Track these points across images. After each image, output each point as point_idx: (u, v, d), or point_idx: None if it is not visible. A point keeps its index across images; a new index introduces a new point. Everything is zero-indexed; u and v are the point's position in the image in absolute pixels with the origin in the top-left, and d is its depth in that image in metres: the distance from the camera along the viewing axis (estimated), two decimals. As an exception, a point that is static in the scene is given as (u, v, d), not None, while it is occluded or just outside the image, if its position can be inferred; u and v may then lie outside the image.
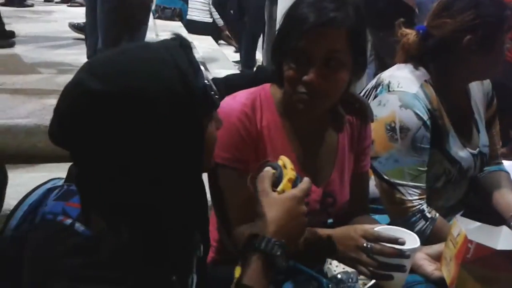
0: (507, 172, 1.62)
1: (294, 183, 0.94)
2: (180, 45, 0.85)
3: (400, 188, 1.38)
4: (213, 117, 0.90)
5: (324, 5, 1.06)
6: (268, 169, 0.94)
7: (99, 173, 0.81)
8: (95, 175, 0.82)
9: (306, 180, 0.95)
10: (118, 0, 2.26)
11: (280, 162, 0.97)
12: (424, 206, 1.38)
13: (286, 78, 1.10)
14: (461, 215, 1.55)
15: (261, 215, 0.91)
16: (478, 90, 1.55)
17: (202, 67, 0.86)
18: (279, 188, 0.92)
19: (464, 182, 1.54)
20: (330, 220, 1.40)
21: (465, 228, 1.11)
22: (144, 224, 0.84)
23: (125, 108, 0.77)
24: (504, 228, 1.18)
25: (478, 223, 1.16)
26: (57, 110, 0.80)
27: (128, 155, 0.79)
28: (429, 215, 1.38)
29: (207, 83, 0.85)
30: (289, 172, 0.94)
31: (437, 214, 1.39)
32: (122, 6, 2.26)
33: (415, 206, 1.37)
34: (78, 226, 0.79)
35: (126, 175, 0.81)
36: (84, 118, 0.77)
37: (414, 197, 1.38)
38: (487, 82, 1.58)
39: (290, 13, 1.11)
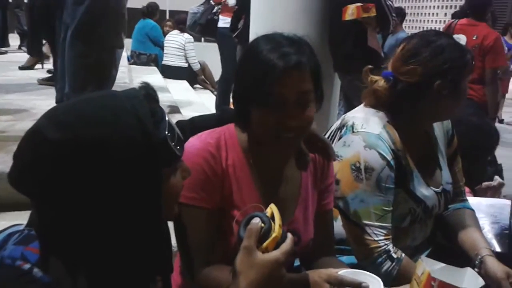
0: (472, 210, 1.62)
1: (278, 241, 0.91)
2: (144, 95, 0.85)
3: (366, 228, 1.38)
4: (177, 168, 0.90)
5: (285, 50, 1.08)
6: (256, 222, 0.90)
7: (57, 219, 0.81)
8: (53, 221, 0.81)
9: (289, 241, 0.92)
10: (86, 46, 2.26)
11: (268, 211, 0.95)
12: (390, 247, 1.38)
13: (260, 123, 1.11)
14: (428, 254, 1.55)
15: (239, 273, 0.89)
16: (438, 128, 1.58)
17: (167, 118, 0.86)
18: (264, 245, 0.90)
19: (429, 221, 1.55)
20: (297, 263, 1.38)
21: (429, 268, 1.11)
22: (102, 271, 0.83)
23: (80, 156, 0.77)
24: (469, 269, 1.19)
25: (442, 264, 1.17)
26: (16, 156, 0.81)
27: (84, 202, 0.79)
28: (395, 256, 1.37)
29: (169, 135, 0.85)
30: (276, 230, 0.91)
31: (403, 254, 1.38)
32: (89, 51, 2.26)
33: (381, 246, 1.37)
34: (37, 271, 0.78)
35: (83, 222, 0.80)
36: (41, 165, 0.77)
37: (380, 237, 1.37)
38: (447, 121, 1.61)
39: (251, 61, 1.12)
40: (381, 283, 1.05)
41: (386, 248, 1.37)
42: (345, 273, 1.07)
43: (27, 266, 0.78)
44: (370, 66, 1.50)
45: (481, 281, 1.13)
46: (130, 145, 0.79)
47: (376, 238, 1.37)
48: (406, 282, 1.24)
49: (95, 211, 0.79)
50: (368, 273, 1.09)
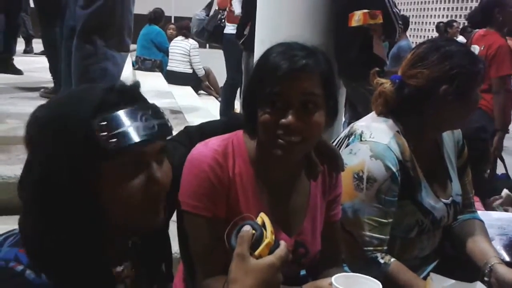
0: (481, 221, 1.60)
1: (271, 248, 0.89)
2: (111, 86, 0.83)
3: (357, 237, 1.37)
4: (140, 171, 0.83)
5: (294, 53, 1.07)
6: (247, 229, 0.88)
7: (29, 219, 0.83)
8: (26, 220, 0.83)
9: (283, 247, 0.89)
10: (92, 47, 2.25)
11: (259, 220, 0.92)
12: (378, 254, 1.36)
13: (262, 123, 1.08)
14: (436, 265, 1.52)
15: (235, 281, 0.85)
16: (449, 139, 1.56)
17: (125, 110, 0.81)
18: (257, 252, 0.87)
19: (437, 232, 1.53)
20: (303, 272, 1.35)
21: (439, 286, 1.07)
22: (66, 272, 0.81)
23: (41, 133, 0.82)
24: (479, 284, 1.15)
25: (452, 281, 1.14)
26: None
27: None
28: (382, 261, 1.35)
29: (103, 124, 0.78)
30: (269, 236, 0.88)
31: (392, 259, 1.36)
32: (96, 53, 2.25)
33: (368, 255, 1.36)
34: (29, 273, 0.78)
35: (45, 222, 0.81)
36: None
37: (369, 247, 1.36)
38: (458, 131, 1.59)
39: (261, 63, 1.11)
40: (380, 284, 1.01)
41: (373, 255, 1.35)
42: (338, 277, 1.04)
43: (20, 267, 0.78)
44: (377, 69, 1.50)
45: None
46: (69, 129, 0.79)
47: (365, 248, 1.36)
48: (397, 285, 1.23)
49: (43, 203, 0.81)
50: (364, 276, 1.05)
